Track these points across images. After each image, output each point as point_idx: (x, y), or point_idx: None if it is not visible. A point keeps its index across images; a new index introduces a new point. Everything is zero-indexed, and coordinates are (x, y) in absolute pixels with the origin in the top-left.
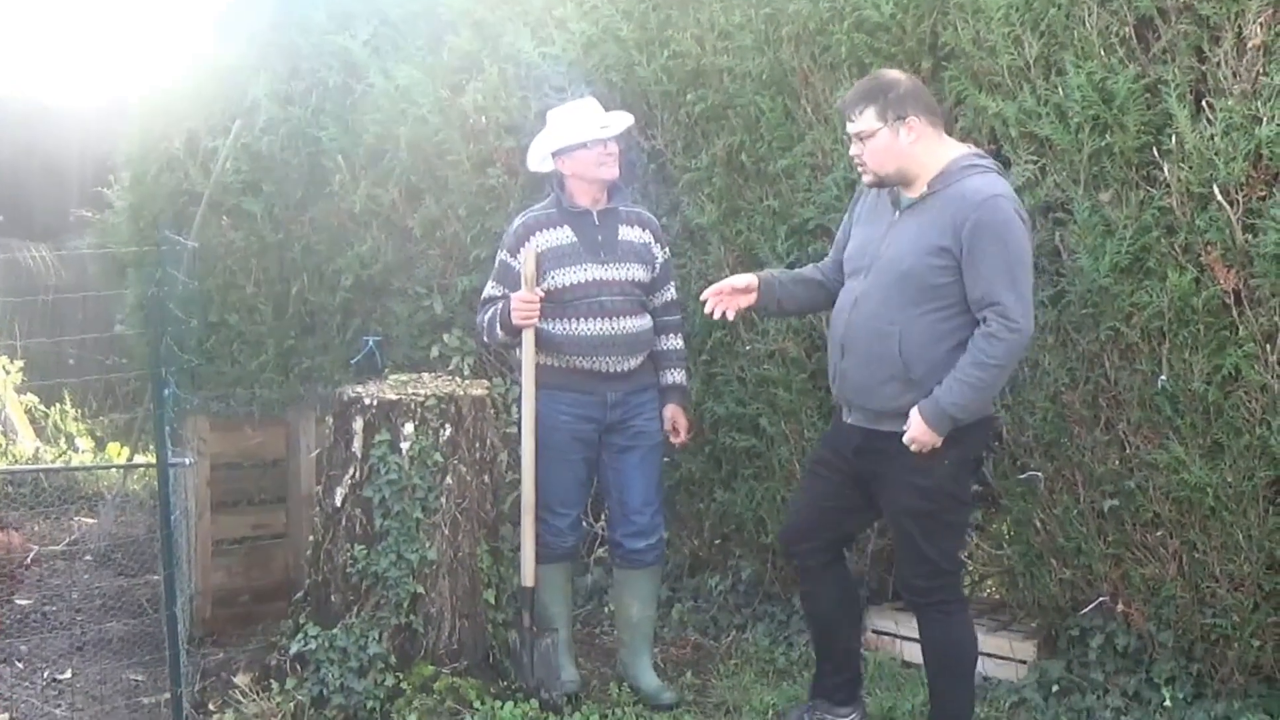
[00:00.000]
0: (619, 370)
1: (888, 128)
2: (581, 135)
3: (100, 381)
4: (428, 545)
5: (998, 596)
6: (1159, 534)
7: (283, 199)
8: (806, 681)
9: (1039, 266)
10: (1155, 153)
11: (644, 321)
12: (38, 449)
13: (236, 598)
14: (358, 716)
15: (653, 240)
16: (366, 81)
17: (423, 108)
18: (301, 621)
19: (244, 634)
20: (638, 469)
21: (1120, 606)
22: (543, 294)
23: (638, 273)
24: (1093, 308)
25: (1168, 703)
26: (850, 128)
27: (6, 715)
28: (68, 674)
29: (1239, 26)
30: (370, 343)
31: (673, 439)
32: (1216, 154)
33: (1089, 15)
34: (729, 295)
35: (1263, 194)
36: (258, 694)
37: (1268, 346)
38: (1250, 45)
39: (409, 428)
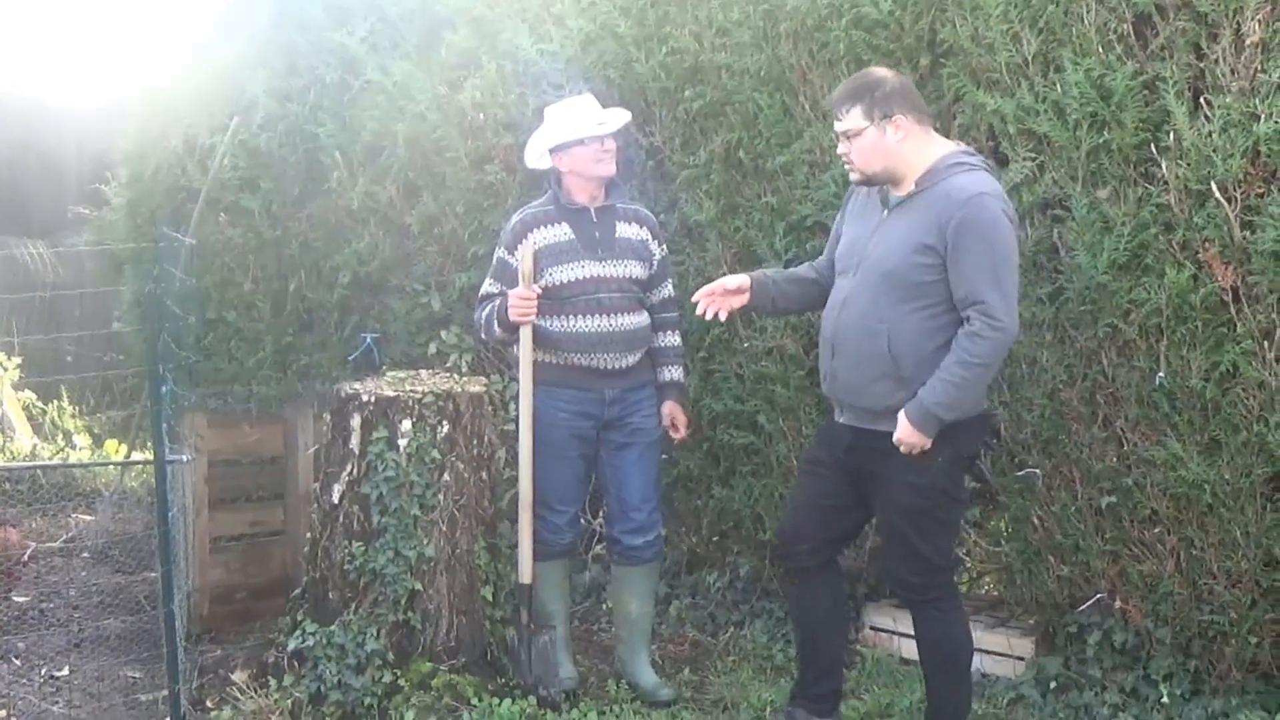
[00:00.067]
0: (617, 367)
1: (874, 126)
2: (578, 132)
3: (98, 378)
4: (425, 542)
5: (995, 593)
6: (1157, 531)
7: (280, 196)
8: None
9: (1037, 263)
10: (1153, 150)
11: (641, 318)
12: (35, 446)
13: (234, 595)
14: (355, 713)
15: (650, 237)
16: (364, 78)
17: (420, 104)
18: (299, 618)
19: (242, 631)
20: (636, 466)
21: (1118, 603)
22: (540, 291)
23: (635, 270)
24: (1091, 305)
25: (1165, 699)
26: (837, 126)
27: (4, 712)
28: (65, 671)
29: (1237, 23)
30: (368, 340)
31: (671, 434)
32: (1214, 151)
33: (1087, 12)
34: (721, 296)
35: (1260, 191)
36: (255, 691)
37: (1265, 343)
38: (1248, 42)
39: (407, 425)
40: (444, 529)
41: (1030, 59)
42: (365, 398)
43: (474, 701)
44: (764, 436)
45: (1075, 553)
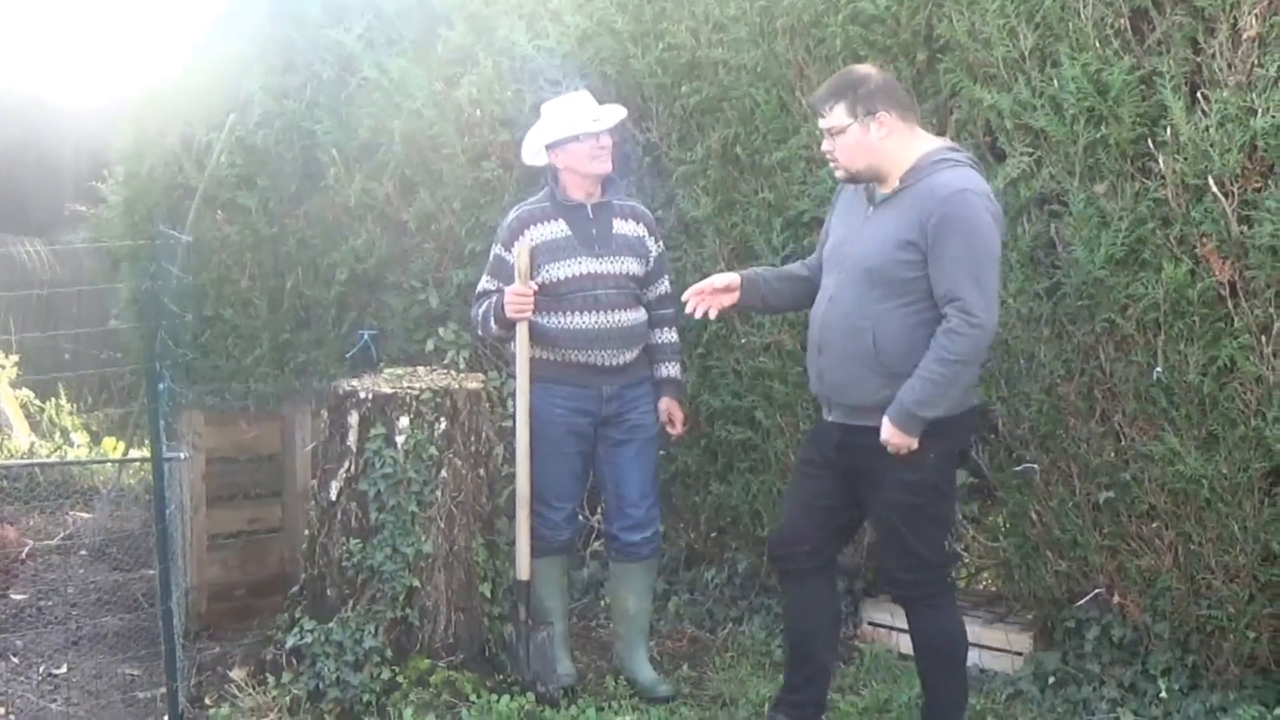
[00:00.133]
0: (614, 364)
1: (858, 123)
2: (574, 128)
3: (95, 376)
4: (423, 539)
5: (994, 589)
6: (1154, 526)
7: (277, 193)
8: None
9: (1034, 258)
10: (1150, 144)
11: (638, 315)
12: (33, 444)
13: (232, 592)
14: (354, 710)
15: (647, 234)
16: (361, 75)
17: (417, 101)
18: (297, 615)
19: (240, 628)
20: (634, 462)
21: (1116, 598)
22: (536, 287)
23: (632, 266)
24: (1088, 300)
25: (1163, 694)
26: (821, 123)
27: (3, 710)
28: (63, 669)
29: (1234, 18)
30: (365, 336)
31: (668, 430)
32: (1211, 145)
33: (1084, 7)
34: (710, 294)
35: (1258, 185)
36: (253, 688)
37: (1263, 338)
38: (1245, 36)
39: (404, 421)
40: (442, 526)
41: (1027, 54)
42: (363, 395)
43: (472, 698)
44: (762, 432)
45: (1073, 548)
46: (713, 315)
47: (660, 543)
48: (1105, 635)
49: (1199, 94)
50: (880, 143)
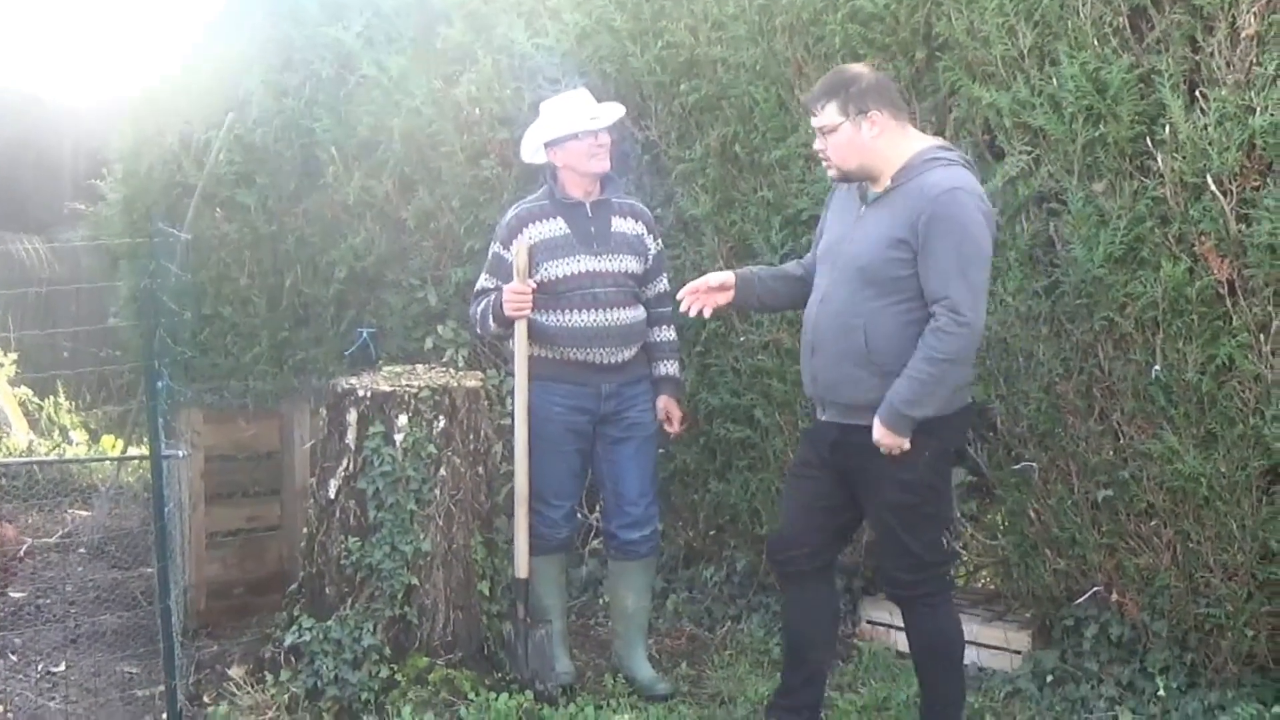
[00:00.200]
0: (612, 362)
1: (850, 122)
2: (572, 126)
3: (94, 374)
4: (422, 537)
5: (992, 587)
6: (1153, 524)
7: (276, 191)
8: None
9: (1033, 257)
10: (1149, 143)
11: (637, 313)
12: (31, 442)
13: (231, 590)
14: (352, 708)
15: (645, 232)
16: (360, 73)
17: (416, 99)
18: (296, 613)
19: (238, 626)
20: (632, 460)
21: (1114, 596)
22: (534, 286)
23: (630, 264)
24: (1087, 298)
25: (1161, 692)
26: (814, 122)
27: (1, 708)
28: (62, 667)
29: (1233, 16)
30: (364, 334)
31: (665, 428)
32: (1210, 144)
33: (1083, 5)
34: (705, 293)
35: (1256, 184)
36: (252, 686)
37: (1261, 336)
38: (1244, 35)
39: (403, 419)
40: (440, 524)
41: (1026, 52)
42: (361, 393)
43: (471, 696)
44: (760, 431)
45: (1072, 546)
46: (707, 314)
47: (659, 541)
48: (1104, 633)
49: (1198, 92)
50: (872, 141)
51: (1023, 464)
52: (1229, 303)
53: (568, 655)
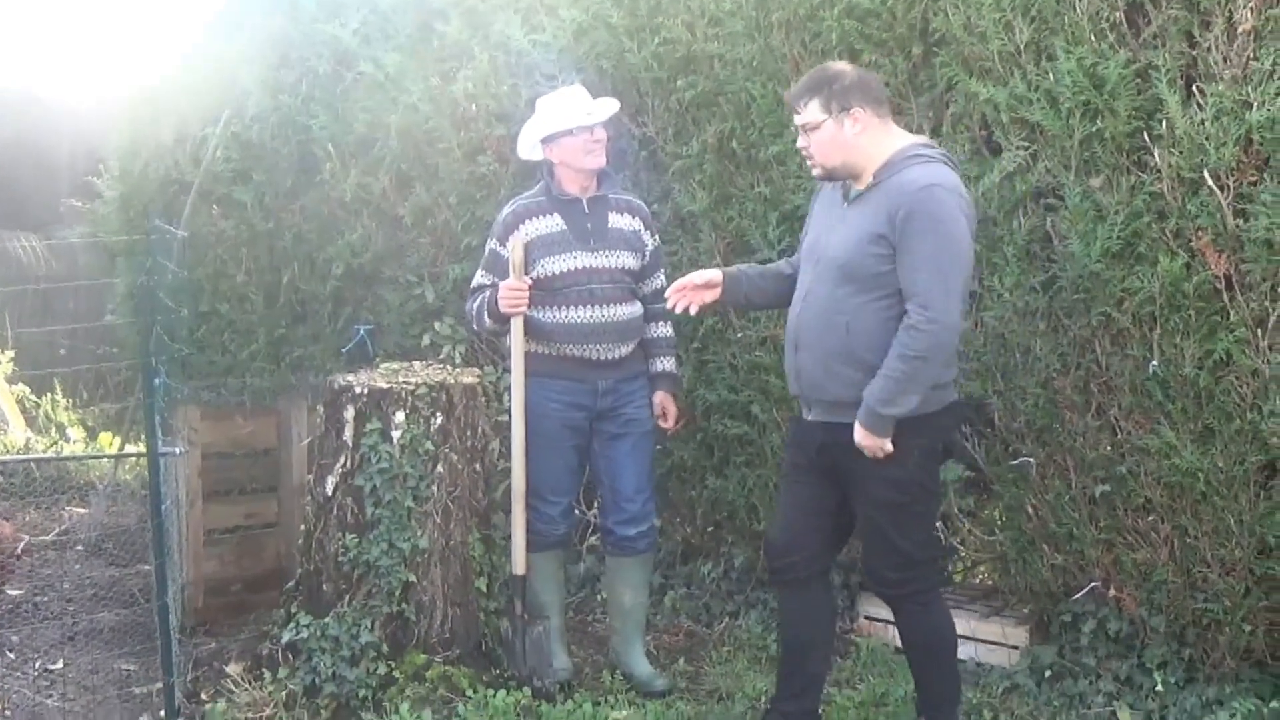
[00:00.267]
0: (609, 358)
1: (832, 119)
2: (567, 122)
3: (91, 371)
4: (419, 534)
5: (990, 582)
6: (1150, 519)
7: (273, 188)
8: None
9: (1030, 252)
10: (1146, 138)
11: (634, 309)
12: (29, 439)
13: (228, 587)
14: (350, 705)
15: (642, 228)
16: (356, 70)
17: (413, 96)
18: (293, 610)
19: (236, 623)
20: (629, 456)
21: (1112, 592)
22: (530, 282)
23: (627, 260)
24: (1084, 293)
25: (1159, 687)
26: (796, 119)
27: None
28: (59, 664)
29: (1229, 11)
30: (361, 331)
31: (661, 424)
32: (1207, 139)
33: (1079, 1)
34: (691, 291)
35: (1253, 179)
36: (250, 683)
37: (1258, 331)
38: (1241, 30)
39: (400, 416)
40: (438, 520)
41: (1023, 48)
42: (359, 389)
43: (469, 693)
44: (758, 427)
45: (1069, 541)
46: (693, 311)
47: (656, 537)
48: (1101, 629)
49: (1194, 88)
50: (854, 139)
51: (1020, 459)
52: (1226, 298)
53: (565, 652)
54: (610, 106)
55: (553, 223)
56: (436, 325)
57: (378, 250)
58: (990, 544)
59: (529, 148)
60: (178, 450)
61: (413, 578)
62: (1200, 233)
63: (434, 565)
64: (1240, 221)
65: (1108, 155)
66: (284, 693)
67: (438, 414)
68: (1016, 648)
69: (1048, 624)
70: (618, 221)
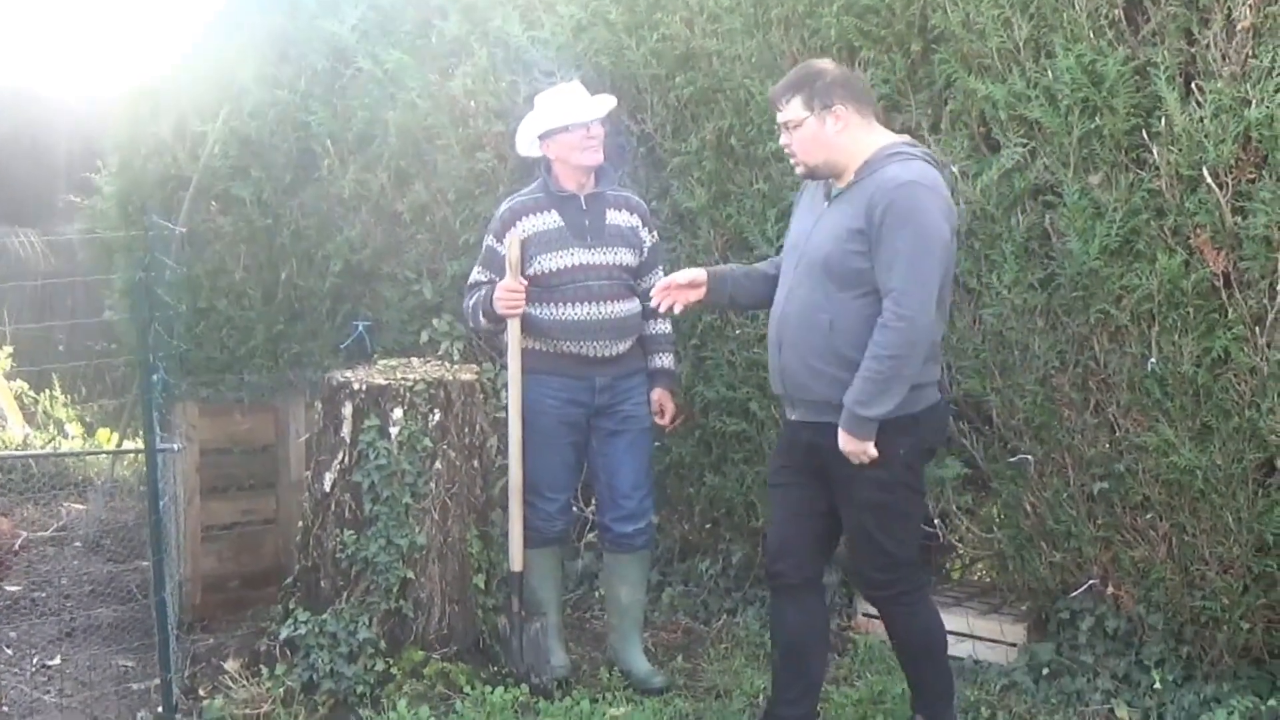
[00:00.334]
0: (607, 355)
1: (814, 117)
2: (564, 118)
3: (89, 367)
4: (417, 530)
5: (988, 580)
6: (1149, 517)
7: (271, 184)
8: None
9: (1028, 249)
10: (1145, 135)
11: (632, 306)
12: (27, 435)
13: (226, 583)
14: (347, 702)
15: (640, 224)
16: (355, 66)
17: (411, 92)
18: (291, 607)
19: (234, 620)
20: (627, 453)
21: (1110, 589)
22: (526, 282)
23: (625, 257)
24: (1082, 290)
25: (1157, 685)
26: (779, 117)
27: None
28: (57, 660)
29: (1228, 8)
30: (359, 328)
31: (659, 421)
32: (1206, 136)
33: None
34: (676, 290)
35: (1252, 176)
36: (247, 679)
37: (1257, 329)
38: (1239, 27)
39: (398, 413)
40: (436, 517)
41: (1022, 44)
42: (357, 386)
43: (466, 690)
44: (756, 424)
45: (1067, 539)
46: (677, 310)
47: (654, 534)
48: (1099, 626)
49: (1193, 85)
50: (836, 137)
51: (1018, 457)
52: (1224, 295)
53: (563, 648)
54: (607, 103)
55: (550, 219)
56: (435, 322)
57: (376, 246)
58: (988, 541)
59: (527, 144)
60: (176, 446)
61: (410, 574)
62: (1199, 230)
63: (432, 562)
64: (1239, 219)
65: (1106, 152)
66: (282, 689)
67: (436, 410)
68: (1014, 645)
69: (1046, 621)
70: (615, 218)
